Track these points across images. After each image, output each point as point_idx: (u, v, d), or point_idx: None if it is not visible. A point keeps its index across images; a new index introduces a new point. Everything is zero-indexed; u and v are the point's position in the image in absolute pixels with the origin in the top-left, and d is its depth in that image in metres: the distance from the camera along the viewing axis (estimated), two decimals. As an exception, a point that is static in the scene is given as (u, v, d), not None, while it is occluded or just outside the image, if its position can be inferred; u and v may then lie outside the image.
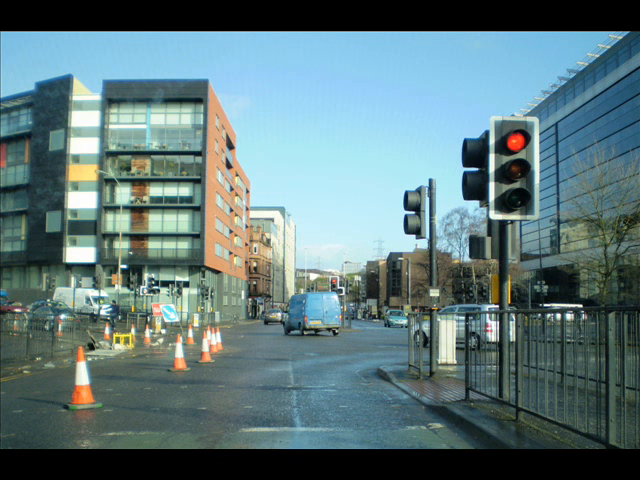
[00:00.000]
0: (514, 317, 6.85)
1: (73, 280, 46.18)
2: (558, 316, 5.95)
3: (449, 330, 12.79)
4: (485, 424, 6.23)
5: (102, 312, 37.78)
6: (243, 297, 78.44)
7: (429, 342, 11.54)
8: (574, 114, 56.74)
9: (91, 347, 17.82)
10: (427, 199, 11.07)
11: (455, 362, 12.67)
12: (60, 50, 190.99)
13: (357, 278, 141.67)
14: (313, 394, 9.29)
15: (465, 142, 7.29)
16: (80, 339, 17.81)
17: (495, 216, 6.89)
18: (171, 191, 53.28)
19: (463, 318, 8.86)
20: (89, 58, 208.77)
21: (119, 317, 39.46)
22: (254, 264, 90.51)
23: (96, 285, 38.35)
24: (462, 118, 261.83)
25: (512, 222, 7.51)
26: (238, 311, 72.23)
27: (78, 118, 52.79)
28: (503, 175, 6.79)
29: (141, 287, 40.27)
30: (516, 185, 6.78)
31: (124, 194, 50.72)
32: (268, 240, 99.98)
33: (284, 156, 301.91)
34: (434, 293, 11.66)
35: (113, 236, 50.72)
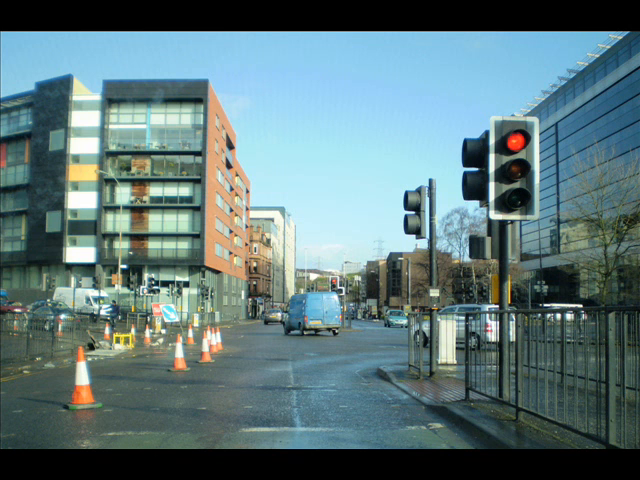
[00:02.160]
0: (514, 317, 6.85)
1: (73, 280, 46.17)
2: (558, 316, 5.95)
3: (449, 330, 12.79)
4: (485, 424, 6.23)
5: (102, 312, 37.77)
6: (243, 297, 78.43)
7: (429, 342, 11.54)
8: (574, 114, 56.73)
9: (91, 347, 17.82)
10: (427, 199, 11.06)
11: (455, 362, 12.66)
12: (60, 50, 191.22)
13: (357, 278, 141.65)
14: (313, 394, 9.29)
15: (465, 142, 7.29)
16: (80, 339, 17.81)
17: (495, 216, 6.89)
18: (171, 191, 53.28)
19: (463, 318, 8.86)
20: (89, 58, 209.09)
21: (119, 317, 39.45)
22: (254, 264, 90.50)
23: (96, 285, 38.34)
24: (462, 118, 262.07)
25: (512, 222, 7.51)
26: (238, 311, 72.22)
27: (78, 118, 52.79)
28: (503, 175, 6.79)
29: (141, 287, 40.26)
30: (516, 185, 6.78)
31: (124, 194, 50.72)
32: (268, 240, 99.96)
33: (284, 156, 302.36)
34: (434, 293, 11.66)
35: (113, 236, 50.71)
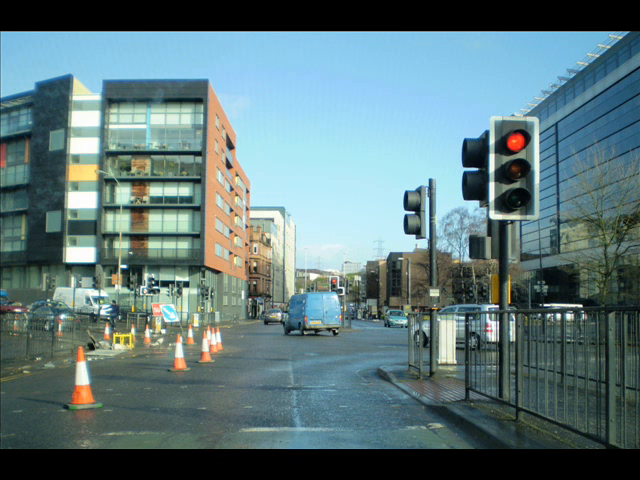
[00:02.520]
0: (514, 317, 6.85)
1: (73, 280, 46.17)
2: (558, 316, 5.95)
3: (449, 330, 12.79)
4: (485, 424, 6.23)
5: (102, 312, 37.77)
6: (243, 297, 78.42)
7: (429, 342, 11.54)
8: (574, 114, 56.73)
9: (91, 347, 17.82)
10: (427, 199, 11.07)
11: (455, 362, 12.66)
12: (60, 50, 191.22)
13: (357, 278, 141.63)
14: (313, 394, 9.29)
15: (465, 142, 7.29)
16: (80, 339, 17.80)
17: (495, 216, 6.89)
18: (171, 191, 53.28)
19: (463, 318, 8.86)
20: (89, 58, 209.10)
21: (119, 317, 39.46)
22: (254, 264, 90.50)
23: (96, 285, 38.34)
24: (462, 118, 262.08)
25: (512, 222, 7.51)
26: (238, 311, 72.22)
27: (78, 118, 52.79)
28: (503, 175, 6.79)
29: (141, 287, 40.26)
30: (516, 185, 6.78)
31: (124, 194, 50.72)
32: (268, 240, 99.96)
33: (284, 156, 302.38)
34: (434, 293, 11.66)
35: (113, 236, 50.72)
